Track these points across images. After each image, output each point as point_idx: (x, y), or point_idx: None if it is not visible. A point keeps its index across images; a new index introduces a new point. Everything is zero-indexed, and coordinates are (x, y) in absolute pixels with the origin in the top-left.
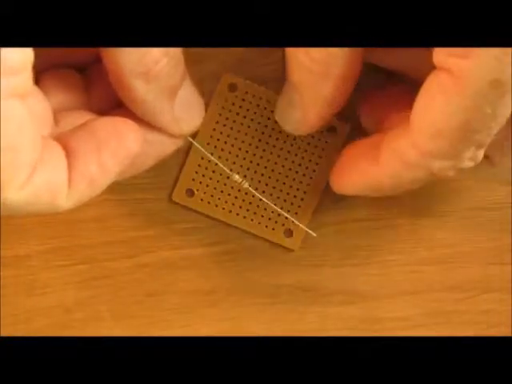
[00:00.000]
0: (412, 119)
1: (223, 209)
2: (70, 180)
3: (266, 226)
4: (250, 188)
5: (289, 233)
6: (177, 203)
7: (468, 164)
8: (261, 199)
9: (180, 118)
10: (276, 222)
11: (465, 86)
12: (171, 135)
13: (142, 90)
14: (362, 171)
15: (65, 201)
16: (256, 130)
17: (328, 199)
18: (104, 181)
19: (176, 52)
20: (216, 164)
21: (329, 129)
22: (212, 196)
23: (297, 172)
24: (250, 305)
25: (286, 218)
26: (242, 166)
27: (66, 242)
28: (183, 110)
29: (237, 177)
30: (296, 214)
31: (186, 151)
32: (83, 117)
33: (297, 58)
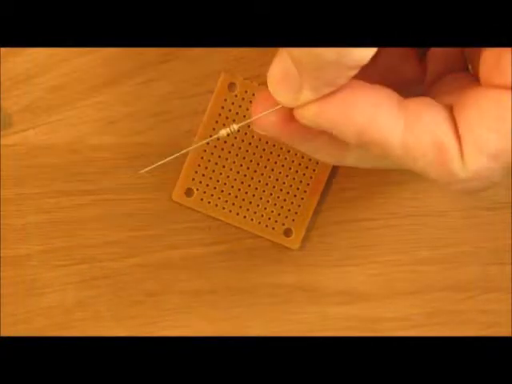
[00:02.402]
0: (467, 130)
1: (223, 209)
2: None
3: (266, 226)
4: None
5: (289, 232)
6: (177, 203)
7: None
8: (261, 199)
9: None
10: (276, 221)
11: None
12: None
13: None
14: (372, 120)
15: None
16: None
17: (328, 199)
18: None
19: None
20: (216, 164)
21: None
22: (212, 196)
23: (297, 172)
24: (250, 305)
25: (286, 217)
26: (241, 165)
27: (66, 241)
28: None
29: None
30: (296, 213)
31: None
32: None
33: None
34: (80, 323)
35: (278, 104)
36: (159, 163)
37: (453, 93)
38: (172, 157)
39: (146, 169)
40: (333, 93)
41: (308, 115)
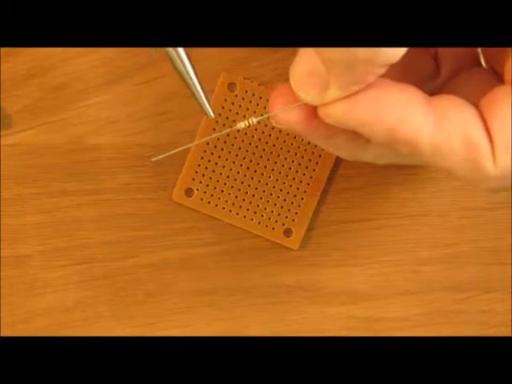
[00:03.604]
0: (497, 127)
1: (223, 209)
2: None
3: (266, 226)
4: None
5: (289, 232)
6: (177, 203)
7: None
8: (261, 199)
9: None
10: (276, 221)
11: None
12: None
13: None
14: (403, 118)
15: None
16: (256, 129)
17: (328, 199)
18: None
19: None
20: (216, 164)
21: None
22: (212, 196)
23: (297, 172)
24: (250, 305)
25: (286, 217)
26: (241, 165)
27: (66, 242)
28: None
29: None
30: (296, 213)
31: (186, 151)
32: None
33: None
34: (80, 323)
35: (298, 100)
36: (172, 152)
37: (474, 90)
38: (186, 146)
39: (159, 157)
40: (361, 91)
41: (335, 114)
